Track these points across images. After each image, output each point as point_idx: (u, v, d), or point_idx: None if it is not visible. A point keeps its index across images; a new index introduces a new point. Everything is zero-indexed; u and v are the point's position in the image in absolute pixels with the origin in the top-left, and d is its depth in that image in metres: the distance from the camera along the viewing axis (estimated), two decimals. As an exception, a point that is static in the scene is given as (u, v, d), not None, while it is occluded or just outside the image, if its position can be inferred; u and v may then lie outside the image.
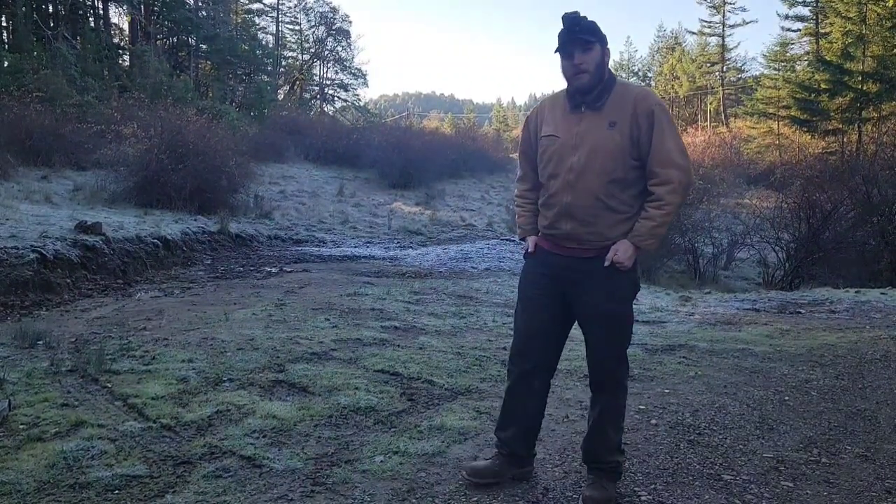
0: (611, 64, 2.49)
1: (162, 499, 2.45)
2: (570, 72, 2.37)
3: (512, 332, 2.71)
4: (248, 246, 11.60)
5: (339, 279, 8.17)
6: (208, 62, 33.29)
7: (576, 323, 2.57)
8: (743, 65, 46.98)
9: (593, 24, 2.35)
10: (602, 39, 2.36)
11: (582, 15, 2.35)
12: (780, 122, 34.81)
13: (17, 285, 6.32)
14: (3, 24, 24.87)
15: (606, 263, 2.37)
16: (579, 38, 2.32)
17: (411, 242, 13.98)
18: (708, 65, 47.03)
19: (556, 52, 2.39)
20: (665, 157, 2.33)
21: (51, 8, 25.88)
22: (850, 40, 29.86)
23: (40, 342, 4.54)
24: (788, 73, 36.73)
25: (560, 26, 2.36)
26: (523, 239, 2.67)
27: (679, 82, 48.41)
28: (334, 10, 41.51)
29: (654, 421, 3.34)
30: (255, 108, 29.19)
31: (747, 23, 52.54)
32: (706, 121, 46.15)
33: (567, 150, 2.39)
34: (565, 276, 2.45)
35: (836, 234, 11.10)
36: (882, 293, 7.75)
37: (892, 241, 10.59)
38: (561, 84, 2.50)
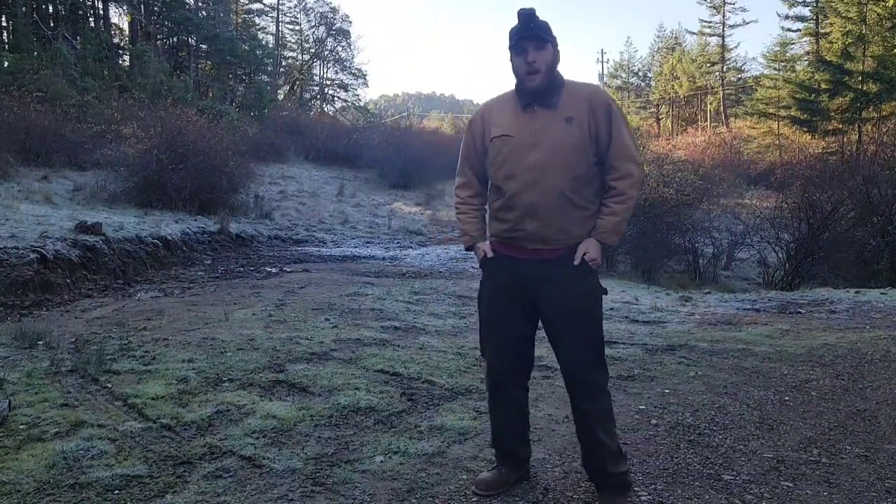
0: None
1: (162, 499, 2.45)
2: (522, 70, 2.32)
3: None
4: (248, 246, 11.61)
5: (339, 279, 8.18)
6: (208, 62, 33.33)
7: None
8: (743, 65, 47.07)
9: (547, 23, 2.33)
10: (554, 41, 2.34)
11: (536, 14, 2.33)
12: (780, 122, 34.83)
13: (17, 285, 6.32)
14: (3, 24, 24.90)
15: (577, 262, 2.31)
16: (534, 34, 2.29)
17: (411, 242, 13.98)
18: (708, 65, 47.00)
19: (509, 48, 2.35)
20: (624, 151, 2.32)
21: (51, 8, 25.93)
22: (850, 40, 29.88)
23: (40, 342, 4.54)
24: (788, 73, 36.75)
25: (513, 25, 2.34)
26: (470, 248, 2.57)
27: (679, 82, 48.38)
28: (334, 10, 41.71)
29: (654, 421, 3.34)
30: (255, 108, 29.22)
31: (747, 23, 52.88)
32: (706, 121, 46.15)
33: (524, 148, 2.32)
34: (534, 279, 2.36)
35: (835, 234, 11.09)
36: (882, 293, 7.75)
37: (892, 241, 10.59)
38: (509, 84, 2.46)
